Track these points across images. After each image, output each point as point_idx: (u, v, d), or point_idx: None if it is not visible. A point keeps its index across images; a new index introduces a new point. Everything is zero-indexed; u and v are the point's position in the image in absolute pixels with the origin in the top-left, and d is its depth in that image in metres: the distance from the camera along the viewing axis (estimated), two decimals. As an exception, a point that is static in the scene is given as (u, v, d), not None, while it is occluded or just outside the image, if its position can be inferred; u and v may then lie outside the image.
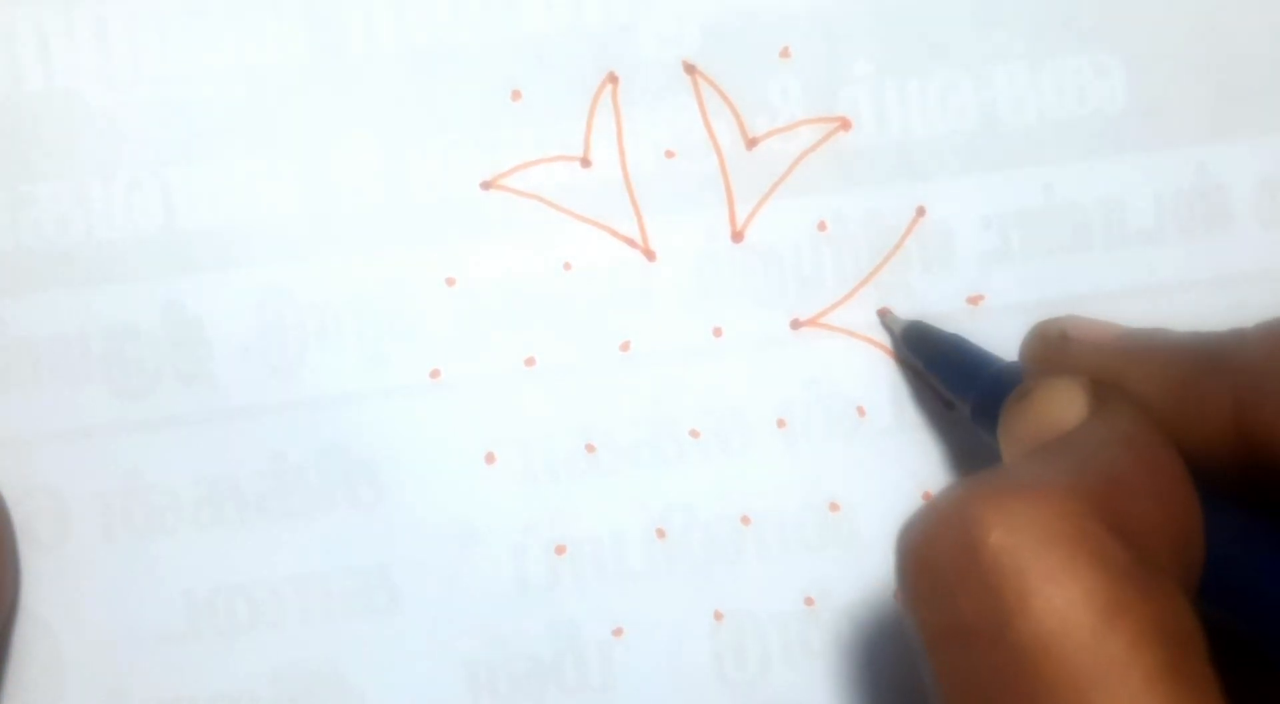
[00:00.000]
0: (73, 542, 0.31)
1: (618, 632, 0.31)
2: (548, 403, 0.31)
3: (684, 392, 0.32)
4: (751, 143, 0.32)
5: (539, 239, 0.32)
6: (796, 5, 0.32)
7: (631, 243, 0.32)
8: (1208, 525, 0.23)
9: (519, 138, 0.32)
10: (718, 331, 0.32)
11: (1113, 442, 0.23)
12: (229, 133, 0.31)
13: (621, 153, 0.32)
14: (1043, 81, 0.32)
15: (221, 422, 0.31)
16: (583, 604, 0.31)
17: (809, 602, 0.32)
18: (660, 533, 0.31)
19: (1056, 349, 0.27)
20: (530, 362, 0.32)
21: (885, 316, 0.32)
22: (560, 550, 0.31)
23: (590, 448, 0.31)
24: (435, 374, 0.31)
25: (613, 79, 0.32)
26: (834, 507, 0.32)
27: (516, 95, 0.32)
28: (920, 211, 0.32)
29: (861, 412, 0.32)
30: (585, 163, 0.32)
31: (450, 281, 0.31)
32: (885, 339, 0.32)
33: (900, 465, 0.32)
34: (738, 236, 0.32)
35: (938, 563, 0.21)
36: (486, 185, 0.32)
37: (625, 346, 0.32)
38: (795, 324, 0.32)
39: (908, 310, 0.32)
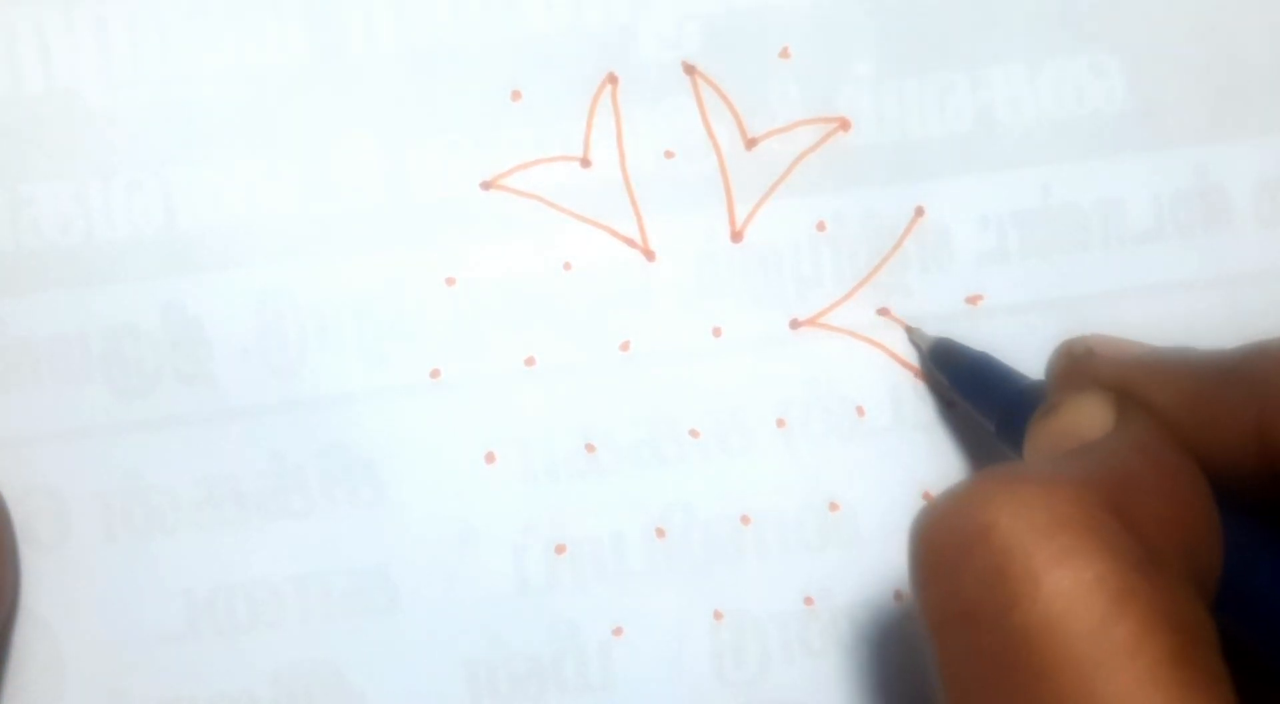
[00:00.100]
0: (73, 542, 0.31)
1: (618, 631, 0.31)
2: (548, 403, 0.31)
3: (684, 392, 0.32)
4: (751, 143, 0.32)
5: (539, 239, 0.32)
6: (796, 5, 0.32)
7: (631, 243, 0.32)
8: (1226, 538, 0.23)
9: (519, 138, 0.32)
10: (717, 331, 0.32)
11: (1130, 447, 0.23)
12: (229, 133, 0.31)
13: (621, 153, 0.32)
14: (1041, 82, 0.32)
15: (221, 422, 0.31)
16: (583, 604, 0.31)
17: (809, 601, 0.32)
18: (660, 533, 0.31)
19: (1082, 365, 0.27)
20: (530, 361, 0.32)
21: (913, 333, 0.32)
22: (560, 550, 0.31)
23: (590, 448, 0.32)
24: (435, 374, 0.31)
25: (613, 79, 0.32)
26: (834, 506, 0.32)
27: (516, 95, 0.32)
28: (919, 212, 0.32)
29: (861, 411, 0.32)
30: (585, 163, 0.32)
31: (450, 281, 0.31)
32: (886, 339, 0.32)
33: (900, 465, 0.32)
34: (737, 237, 0.32)
35: (947, 543, 0.21)
36: (486, 185, 0.32)
37: (625, 346, 0.32)
38: (794, 324, 0.32)
39: (907, 310, 0.32)
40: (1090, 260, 0.32)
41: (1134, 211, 0.32)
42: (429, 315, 0.31)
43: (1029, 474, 0.22)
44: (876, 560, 0.32)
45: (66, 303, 0.31)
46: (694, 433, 0.32)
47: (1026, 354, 0.32)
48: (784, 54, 0.32)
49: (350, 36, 0.31)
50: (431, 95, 0.31)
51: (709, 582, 0.31)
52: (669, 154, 0.32)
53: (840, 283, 0.32)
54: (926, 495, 0.32)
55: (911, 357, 0.32)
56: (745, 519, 0.32)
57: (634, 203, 0.32)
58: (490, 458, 0.31)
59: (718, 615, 0.31)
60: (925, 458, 0.32)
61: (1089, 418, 0.25)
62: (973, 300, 0.32)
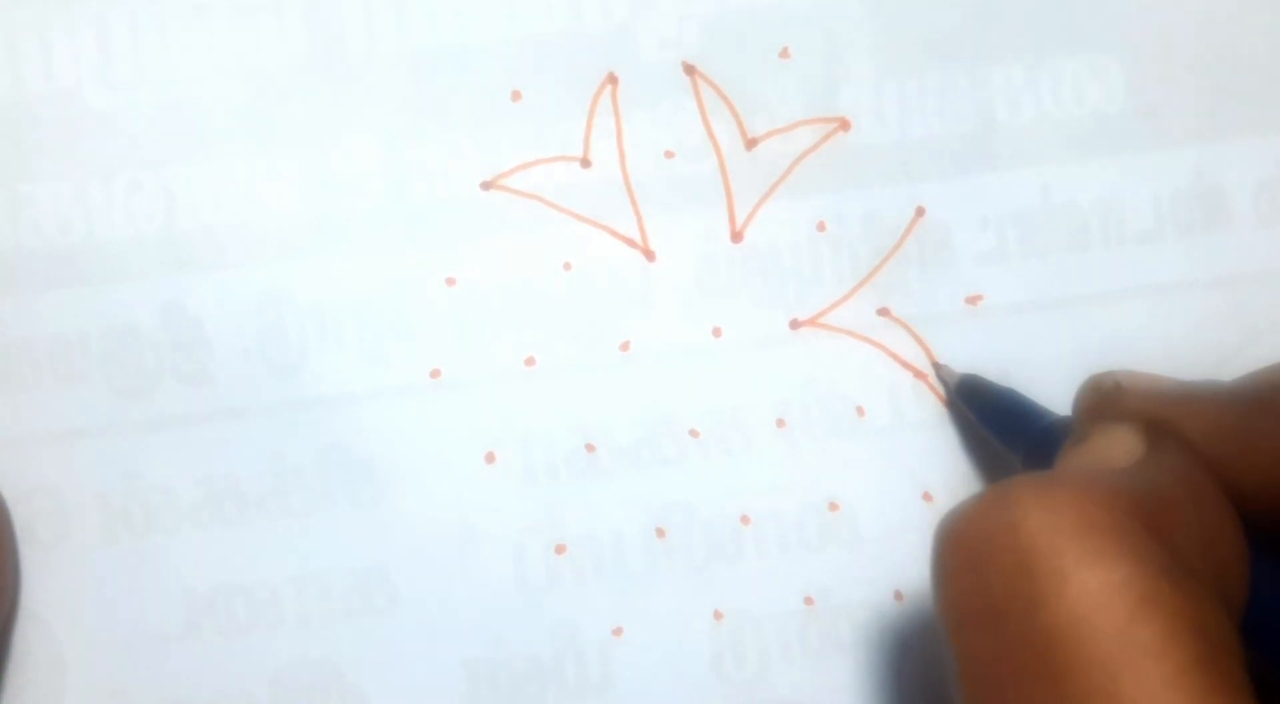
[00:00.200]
0: (73, 542, 0.31)
1: (618, 631, 0.31)
2: (548, 403, 0.31)
3: (684, 392, 0.32)
4: (751, 143, 0.32)
5: (539, 239, 0.32)
6: (796, 5, 0.32)
7: (631, 243, 0.32)
8: (1253, 572, 0.23)
9: (519, 138, 0.32)
10: (717, 331, 0.32)
11: (1162, 471, 0.23)
12: (229, 133, 0.31)
13: (621, 153, 0.32)
14: (1041, 82, 0.32)
15: (221, 422, 0.31)
16: (583, 604, 0.31)
17: (809, 601, 0.32)
18: (660, 532, 0.31)
19: (1110, 399, 0.27)
20: (530, 361, 0.32)
21: (940, 370, 0.32)
22: (560, 550, 0.31)
23: (590, 448, 0.32)
24: (435, 374, 0.31)
25: (613, 79, 0.32)
26: (833, 506, 0.32)
27: (516, 95, 0.32)
28: (919, 212, 0.32)
29: (861, 411, 0.32)
30: (585, 163, 0.32)
31: (450, 281, 0.31)
32: (885, 339, 0.32)
33: (900, 465, 0.32)
34: (737, 237, 0.32)
35: (974, 541, 0.21)
36: (486, 185, 0.32)
37: (625, 346, 0.32)
38: (794, 324, 0.32)
39: (907, 310, 0.32)
40: (1090, 260, 0.32)
41: (1133, 211, 0.32)
42: (429, 315, 0.31)
43: (1060, 479, 0.22)
44: (876, 560, 0.32)
45: (66, 303, 0.31)
46: (694, 433, 0.32)
47: (1027, 354, 0.32)
48: (784, 54, 0.32)
49: (350, 36, 0.31)
50: (431, 95, 0.31)
51: (709, 582, 0.31)
52: (669, 154, 0.32)
53: (840, 283, 0.32)
54: (927, 496, 0.32)
55: (911, 356, 0.32)
56: (745, 519, 0.32)
57: (634, 203, 0.32)
58: (490, 458, 0.31)
59: (718, 615, 0.31)
60: (925, 458, 0.32)
61: (1120, 447, 0.25)
62: (973, 300, 0.32)
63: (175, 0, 0.31)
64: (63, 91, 0.31)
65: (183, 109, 0.31)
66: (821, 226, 0.32)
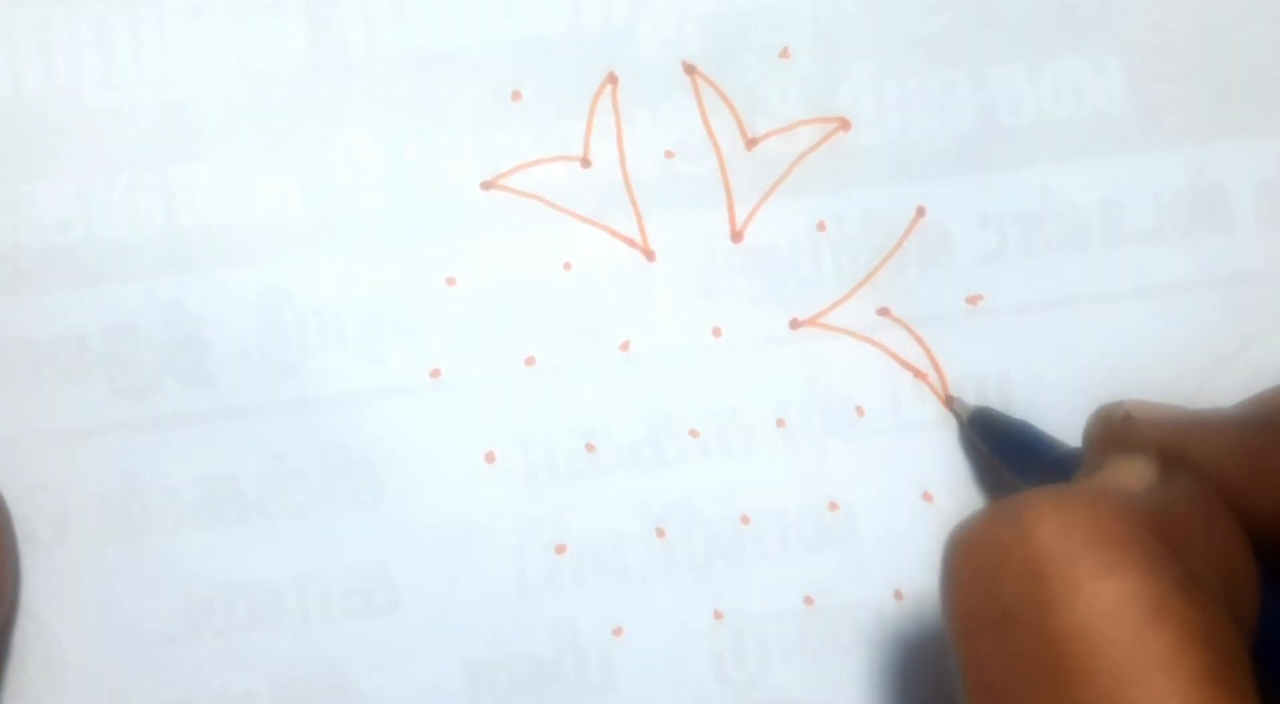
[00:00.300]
0: (73, 542, 0.31)
1: (618, 631, 0.31)
2: (548, 403, 0.31)
3: (683, 391, 0.32)
4: (751, 143, 0.32)
5: (539, 239, 0.32)
6: (797, 5, 0.32)
7: (631, 243, 0.32)
8: (1264, 597, 0.23)
9: (519, 138, 0.32)
10: (717, 331, 0.32)
11: (1175, 497, 0.23)
12: (229, 133, 0.31)
13: (621, 153, 0.32)
14: (1041, 82, 0.32)
15: (221, 422, 0.31)
16: (583, 604, 0.31)
17: (809, 601, 0.32)
18: (660, 532, 0.31)
19: (1121, 430, 0.27)
20: (530, 361, 0.32)
21: (953, 402, 0.32)
22: (560, 550, 0.31)
23: (590, 448, 0.32)
24: (435, 374, 0.31)
25: (613, 79, 0.32)
26: (833, 506, 0.32)
27: (516, 95, 0.32)
28: (920, 212, 0.32)
29: (860, 411, 0.32)
30: (585, 163, 0.32)
31: (450, 281, 0.31)
32: (886, 339, 0.32)
33: (899, 465, 0.32)
34: (737, 236, 0.32)
35: (986, 548, 0.21)
36: (486, 185, 0.32)
37: (625, 346, 0.32)
38: (794, 324, 0.32)
39: (907, 310, 0.32)
40: (1090, 260, 0.32)
41: (1133, 212, 0.32)
42: (429, 315, 0.31)
43: (1074, 489, 0.22)
44: (876, 560, 0.32)
45: (66, 303, 0.31)
46: (694, 433, 0.32)
47: (1027, 354, 0.32)
48: (784, 54, 0.32)
49: (350, 36, 0.31)
50: (431, 95, 0.31)
51: (709, 582, 0.31)
52: (669, 154, 0.32)
53: (840, 283, 0.32)
54: (927, 496, 0.32)
55: (911, 356, 0.32)
56: (745, 519, 0.32)
57: (634, 203, 0.32)
58: (490, 458, 0.31)
59: (718, 615, 0.31)
60: (925, 458, 0.32)
61: (1133, 475, 0.25)
62: (973, 300, 0.32)
63: (175, 0, 0.31)
64: (63, 91, 0.31)
65: (183, 109, 0.31)
66: (821, 226, 0.32)
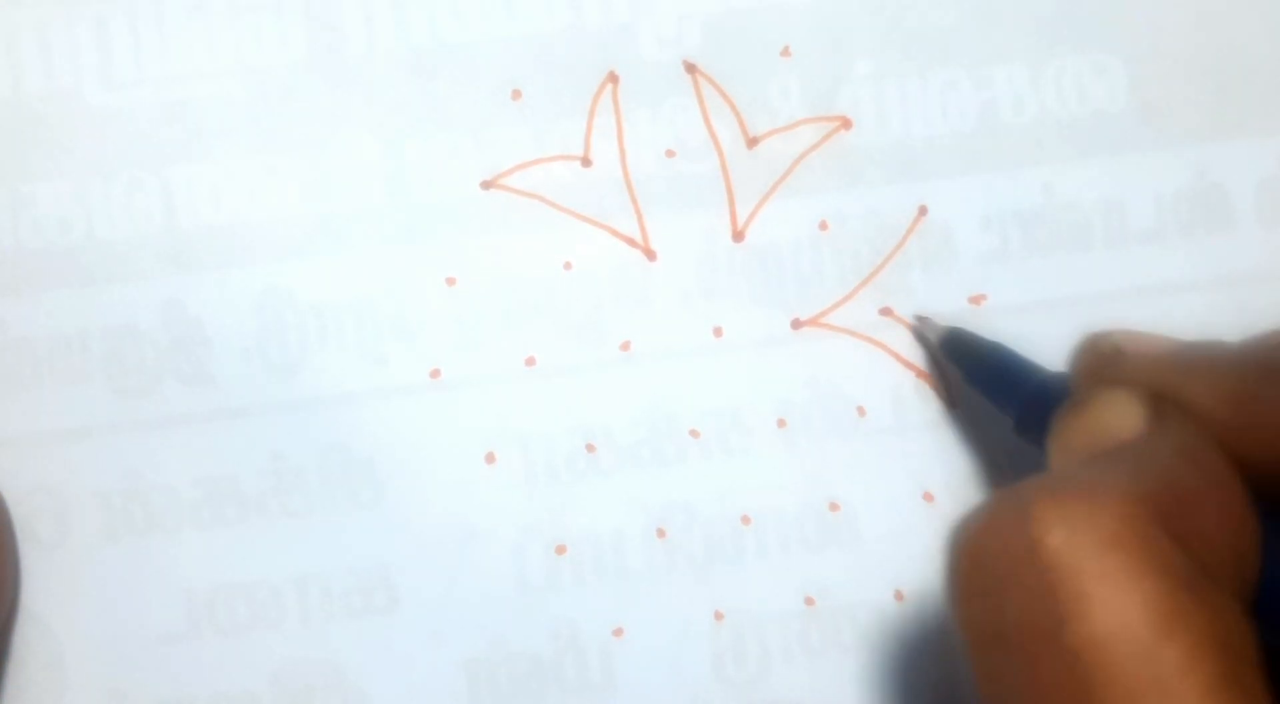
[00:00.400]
0: (73, 542, 0.31)
1: (618, 632, 0.31)
2: (548, 403, 0.31)
3: (684, 392, 0.32)
4: (752, 142, 0.32)
5: (539, 239, 0.32)
6: (797, 5, 0.32)
7: (632, 243, 0.32)
8: (1264, 543, 0.22)
9: (519, 138, 0.32)
10: (718, 331, 0.32)
11: (1171, 453, 0.23)
12: (229, 133, 0.31)
13: (622, 152, 0.32)
14: (1043, 81, 0.32)
15: (221, 421, 0.31)
16: (583, 604, 0.31)
17: (809, 601, 0.31)
18: (660, 533, 0.31)
19: (1110, 362, 0.26)
20: (530, 361, 0.32)
21: (923, 324, 0.32)
22: (560, 550, 0.31)
23: (590, 448, 0.31)
24: (435, 374, 0.31)
25: (613, 79, 0.32)
26: (834, 506, 0.32)
27: (516, 95, 0.32)
28: (921, 211, 0.32)
29: (861, 411, 0.32)
30: (585, 162, 0.32)
31: (450, 281, 0.31)
32: (887, 339, 0.32)
33: (900, 465, 0.32)
34: (738, 236, 0.32)
35: (993, 560, 0.21)
36: (486, 185, 0.32)
37: (625, 346, 0.32)
38: (796, 324, 0.32)
39: (909, 310, 0.32)
40: (1092, 260, 0.32)
41: (1135, 211, 0.32)
42: (429, 315, 0.31)
43: (1075, 486, 0.21)
44: (877, 560, 0.32)
45: (66, 303, 0.31)
46: (694, 433, 0.32)
47: (1030, 354, 0.32)
48: (785, 53, 0.32)
49: (350, 36, 0.31)
50: (431, 95, 0.31)
51: (709, 582, 0.31)
52: (670, 153, 0.32)
53: (842, 282, 0.32)
54: (927, 496, 0.32)
55: (913, 356, 0.32)
56: (745, 519, 0.32)
57: (634, 202, 0.32)
58: (490, 458, 0.31)
59: (718, 615, 0.31)
60: (926, 458, 0.32)
61: (1121, 416, 0.24)
62: (975, 300, 0.32)
63: (175, 0, 0.31)
64: (63, 91, 0.31)
65: (183, 109, 0.31)
66: (823, 226, 0.32)
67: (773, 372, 0.32)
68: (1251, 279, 0.32)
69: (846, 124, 0.32)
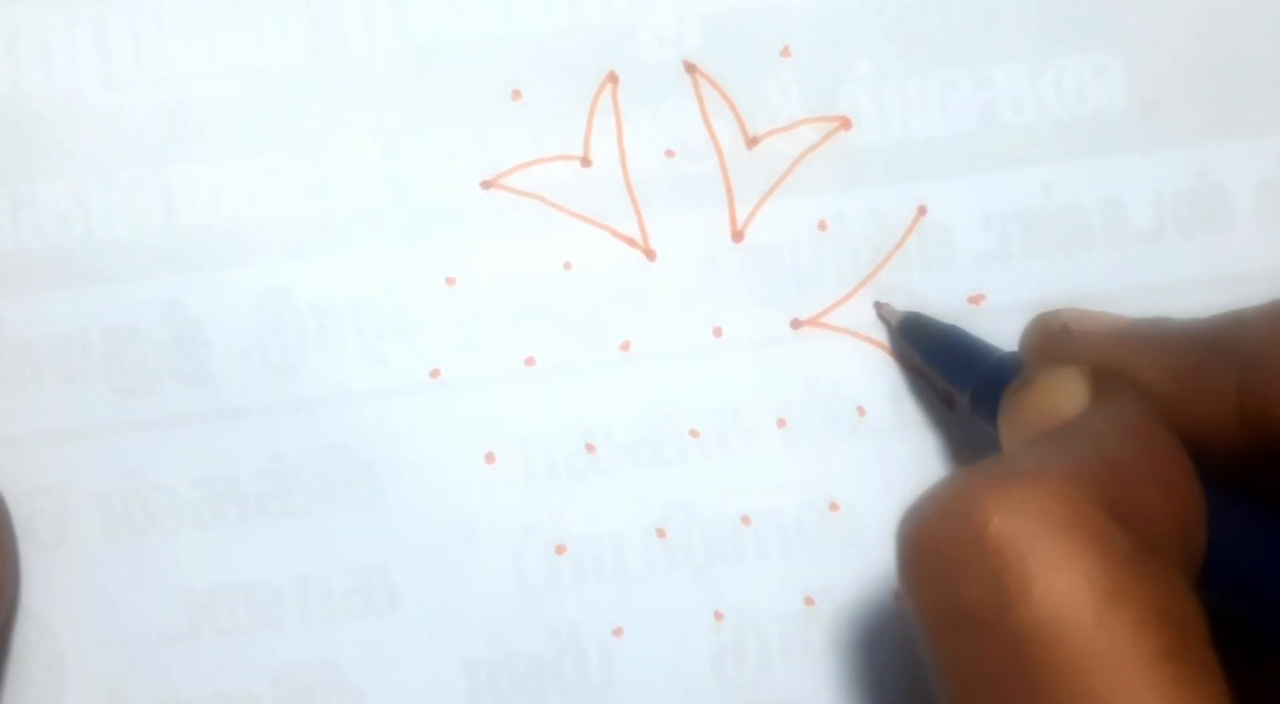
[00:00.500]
0: (73, 542, 0.31)
1: (618, 632, 0.31)
2: (548, 403, 0.31)
3: (684, 392, 0.32)
4: (752, 142, 0.32)
5: (539, 239, 0.32)
6: (797, 5, 0.32)
7: (631, 243, 0.32)
8: (1210, 513, 0.23)
9: (519, 138, 0.32)
10: (718, 331, 0.32)
11: (1114, 429, 0.23)
12: (229, 133, 0.31)
13: (621, 152, 0.32)
14: (1043, 81, 0.32)
15: (221, 422, 0.31)
16: (583, 604, 0.31)
17: (809, 602, 0.32)
18: (660, 533, 0.31)
19: (1058, 340, 0.27)
20: (530, 361, 0.32)
21: (881, 309, 0.32)
22: (560, 550, 0.31)
23: (590, 448, 0.31)
24: (435, 374, 0.31)
25: (613, 79, 0.32)
26: (834, 506, 0.32)
27: (516, 95, 0.32)
28: (921, 211, 0.32)
29: (861, 411, 0.32)
30: (585, 163, 0.32)
31: (450, 281, 0.31)
32: (886, 338, 0.32)
33: (900, 465, 0.32)
34: (738, 236, 0.32)
35: (939, 548, 0.21)
36: (486, 185, 0.32)
37: (625, 346, 0.32)
38: (795, 324, 0.32)
39: (907, 308, 0.32)
40: (1091, 260, 0.32)
41: (1135, 211, 0.32)
42: (429, 315, 0.31)
43: (1016, 471, 0.22)
44: (876, 560, 0.32)
45: (66, 303, 0.31)
46: (694, 433, 0.32)
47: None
48: (785, 53, 0.32)
49: (350, 36, 0.31)
50: (431, 95, 0.31)
51: (709, 582, 0.31)
52: (670, 153, 0.32)
53: (842, 282, 0.32)
54: (927, 495, 0.32)
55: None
56: (745, 519, 0.32)
57: (634, 202, 0.32)
58: (490, 458, 0.31)
59: (718, 615, 0.31)
60: (926, 458, 0.32)
61: (1065, 394, 0.25)
62: (975, 300, 0.32)
63: (175, 0, 0.31)
64: (62, 91, 0.31)
65: (183, 109, 0.31)
66: (823, 226, 0.32)
67: (772, 371, 0.32)
68: (1251, 279, 0.32)
69: (846, 124, 0.32)
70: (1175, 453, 0.23)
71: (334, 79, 0.31)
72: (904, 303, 0.32)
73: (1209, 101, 0.32)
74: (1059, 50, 0.32)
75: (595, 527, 0.31)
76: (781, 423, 0.32)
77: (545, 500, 0.31)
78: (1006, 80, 0.32)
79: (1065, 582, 0.20)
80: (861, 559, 0.32)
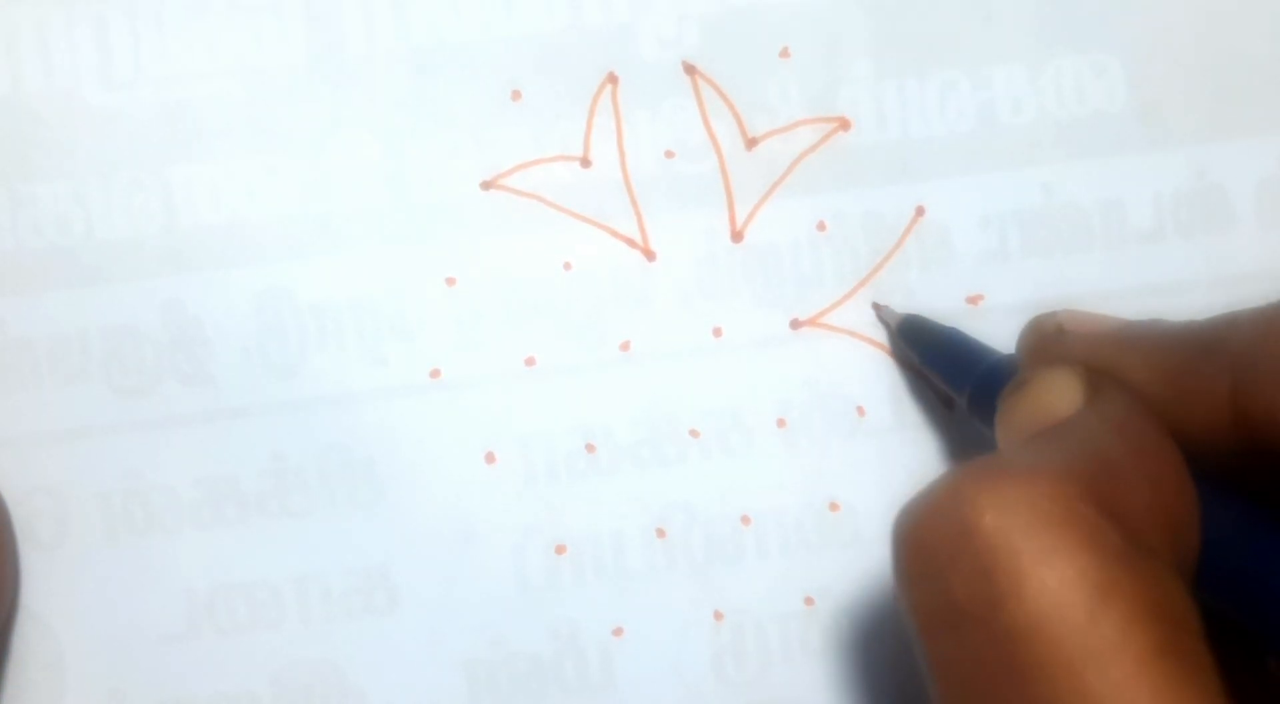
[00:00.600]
0: (73, 542, 0.31)
1: (618, 632, 0.31)
2: (548, 403, 0.31)
3: (684, 392, 0.32)
4: (751, 143, 0.32)
5: (539, 239, 0.32)
6: (796, 5, 0.32)
7: (631, 243, 0.32)
8: (1204, 512, 0.23)
9: (519, 138, 0.32)
10: (718, 331, 0.32)
11: (1107, 428, 0.23)
12: (229, 133, 0.31)
13: (621, 153, 0.32)
14: (1042, 82, 0.32)
15: (221, 422, 0.31)
16: (583, 604, 0.31)
17: (809, 601, 0.32)
18: (660, 533, 0.31)
19: (1053, 341, 0.27)
20: (530, 361, 0.32)
21: (881, 311, 0.32)
22: (560, 550, 0.31)
23: (590, 448, 0.32)
24: (435, 374, 0.31)
25: (613, 79, 0.32)
26: (834, 506, 0.32)
27: (516, 95, 0.32)
28: (919, 211, 0.32)
29: (861, 411, 0.32)
30: (585, 163, 0.32)
31: (450, 281, 0.31)
32: (885, 338, 0.32)
33: (900, 465, 0.32)
34: (737, 236, 0.32)
35: (931, 545, 0.21)
36: (486, 185, 0.32)
37: (625, 346, 0.32)
38: (795, 324, 0.32)
39: (907, 310, 0.32)
40: (1091, 260, 0.32)
41: (1134, 211, 0.32)
42: (429, 315, 0.31)
43: (1008, 469, 0.22)
44: (876, 560, 0.32)
45: (66, 303, 0.31)
46: (694, 433, 0.32)
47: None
48: (784, 53, 0.32)
49: (350, 36, 0.31)
50: (431, 95, 0.31)
51: (709, 582, 0.31)
52: (669, 154, 0.32)
53: (841, 282, 0.32)
54: (927, 495, 0.32)
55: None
56: (745, 519, 0.32)
57: (634, 203, 0.32)
58: (490, 458, 0.31)
59: (718, 615, 0.31)
60: (926, 458, 0.32)
61: (1059, 394, 0.25)
62: (973, 300, 0.32)
63: (175, 0, 0.31)
64: (62, 91, 0.31)
65: (183, 109, 0.31)
66: (822, 226, 0.32)
67: (772, 372, 0.32)
68: (1251, 279, 0.32)
69: (845, 125, 0.32)
70: (1168, 451, 0.23)
71: (334, 79, 0.31)
72: (902, 303, 0.32)
73: (1209, 101, 0.32)
74: (1058, 50, 0.32)
75: (595, 527, 0.31)
76: (781, 423, 0.32)
77: (545, 500, 0.31)
78: (1005, 80, 0.32)
79: (1057, 578, 0.20)
80: (861, 559, 0.32)
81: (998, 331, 0.31)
